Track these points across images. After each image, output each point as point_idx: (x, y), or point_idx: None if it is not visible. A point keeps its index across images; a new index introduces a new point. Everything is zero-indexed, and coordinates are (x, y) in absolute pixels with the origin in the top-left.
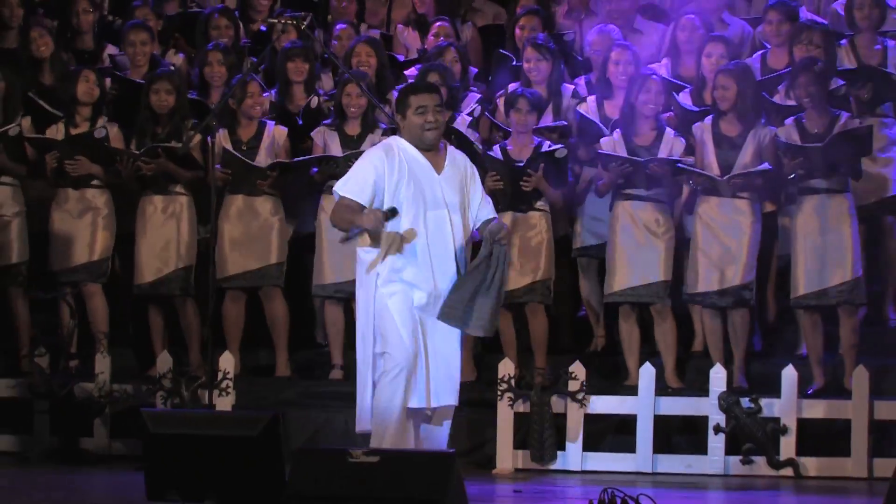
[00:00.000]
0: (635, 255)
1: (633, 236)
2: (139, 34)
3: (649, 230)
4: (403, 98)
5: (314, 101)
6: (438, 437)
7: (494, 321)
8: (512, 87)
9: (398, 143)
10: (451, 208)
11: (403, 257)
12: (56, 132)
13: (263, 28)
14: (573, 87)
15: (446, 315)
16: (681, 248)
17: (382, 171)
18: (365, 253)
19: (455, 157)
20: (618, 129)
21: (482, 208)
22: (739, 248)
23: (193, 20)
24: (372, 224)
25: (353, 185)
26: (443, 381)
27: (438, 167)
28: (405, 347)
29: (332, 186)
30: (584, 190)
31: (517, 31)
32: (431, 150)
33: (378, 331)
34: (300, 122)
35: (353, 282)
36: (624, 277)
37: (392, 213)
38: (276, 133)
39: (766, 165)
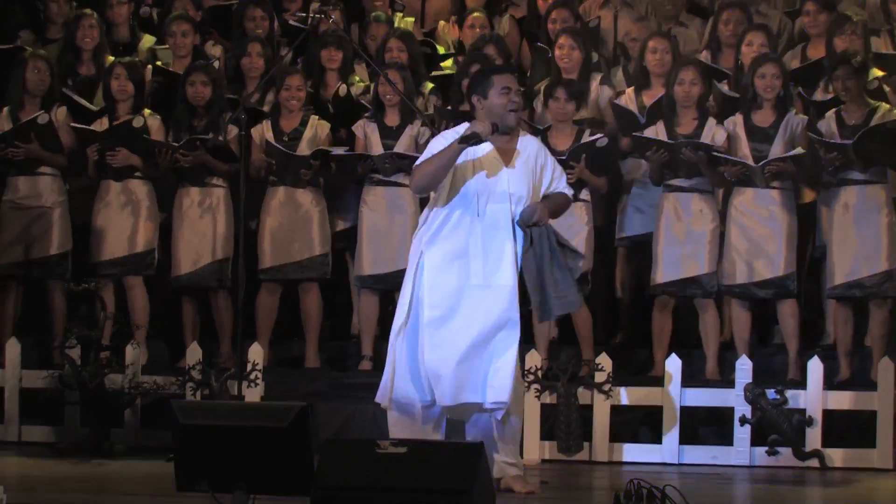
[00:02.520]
0: (680, 248)
1: (677, 228)
2: (181, 25)
3: (694, 221)
4: (484, 78)
5: (342, 88)
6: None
7: (577, 294)
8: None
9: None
10: (515, 201)
11: (456, 247)
12: (100, 125)
13: (293, 22)
14: (600, 75)
15: (540, 312)
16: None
17: None
18: (430, 243)
19: (527, 145)
20: (662, 120)
21: (555, 187)
22: (779, 239)
23: (228, 12)
24: (481, 129)
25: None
26: (497, 375)
27: (508, 158)
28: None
29: (373, 178)
30: (630, 180)
31: (549, 24)
32: (506, 136)
33: (410, 291)
34: (331, 110)
35: (392, 274)
36: (669, 269)
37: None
38: (318, 127)
39: (799, 150)
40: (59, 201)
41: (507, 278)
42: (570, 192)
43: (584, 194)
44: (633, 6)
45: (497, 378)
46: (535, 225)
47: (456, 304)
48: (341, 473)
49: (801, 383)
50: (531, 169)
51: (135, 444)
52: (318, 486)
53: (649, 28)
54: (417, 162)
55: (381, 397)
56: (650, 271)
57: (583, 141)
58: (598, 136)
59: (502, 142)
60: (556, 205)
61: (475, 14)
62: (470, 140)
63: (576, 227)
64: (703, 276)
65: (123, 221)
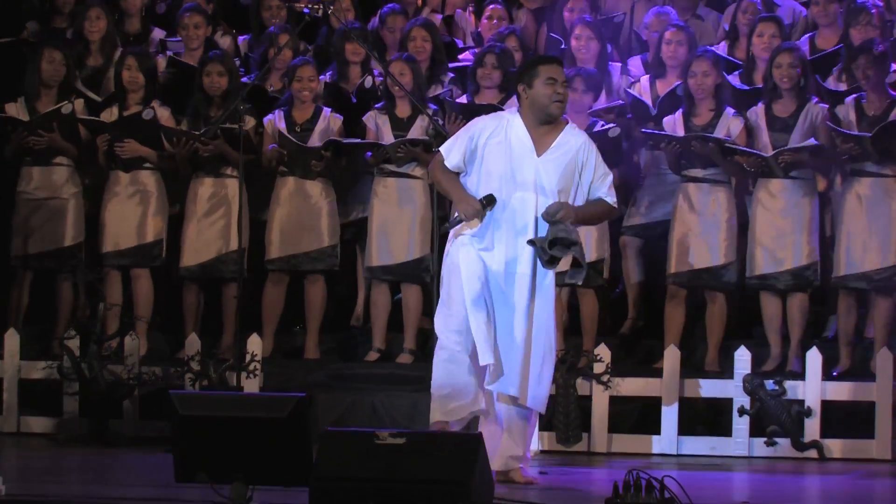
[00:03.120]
0: (695, 238)
1: (693, 219)
2: (193, 17)
3: (710, 212)
4: (531, 68)
5: (368, 80)
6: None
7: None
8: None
9: (511, 116)
10: (543, 192)
11: (480, 235)
12: (110, 115)
13: (307, 10)
14: (620, 64)
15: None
16: (742, 231)
17: (478, 139)
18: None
19: (569, 139)
20: (680, 109)
21: (594, 190)
22: (801, 229)
23: (237, 3)
24: (468, 215)
25: (449, 144)
26: (506, 368)
27: (542, 148)
28: (464, 310)
29: (384, 170)
30: (642, 172)
31: (566, 13)
32: (547, 127)
33: (443, 288)
34: (354, 101)
35: (401, 265)
36: (683, 260)
37: (489, 200)
38: (331, 119)
39: (812, 141)
40: (73, 192)
41: (525, 266)
42: (611, 199)
43: None
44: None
45: (540, 387)
46: (557, 222)
47: (484, 290)
48: (340, 464)
49: (800, 375)
50: (567, 163)
51: (134, 435)
52: (317, 477)
53: (668, 20)
54: (446, 150)
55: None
56: (659, 261)
57: (595, 130)
58: (611, 125)
59: (541, 132)
60: (589, 212)
61: (494, 6)
62: (457, 223)
63: None
64: (717, 267)
65: (132, 212)
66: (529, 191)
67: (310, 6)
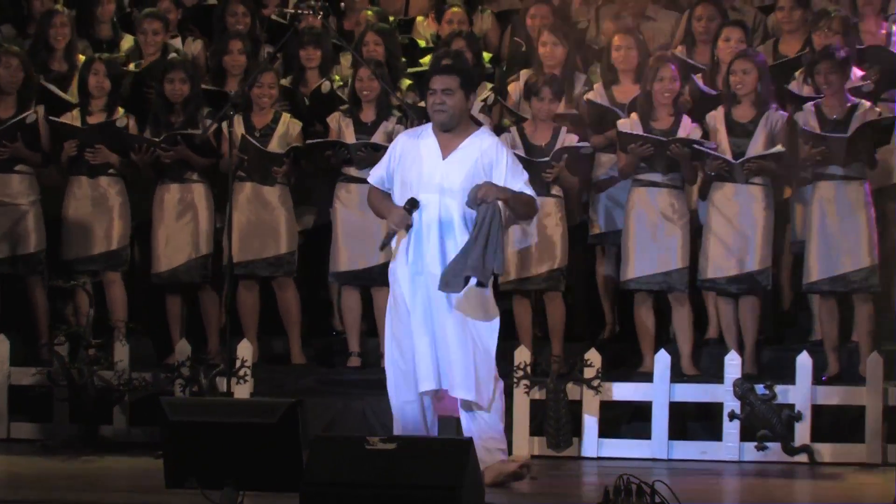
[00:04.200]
0: (652, 243)
1: (649, 223)
2: (152, 23)
3: (665, 216)
4: (425, 82)
5: (325, 84)
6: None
7: (489, 264)
8: (523, 73)
9: (425, 128)
10: (447, 192)
11: (403, 236)
12: (72, 119)
13: (276, 17)
14: (585, 76)
15: (444, 284)
16: (694, 235)
17: (396, 154)
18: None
19: (476, 142)
20: (635, 112)
21: (509, 186)
22: (754, 235)
23: (210, 9)
24: (396, 222)
25: (374, 170)
26: (452, 369)
27: (448, 151)
28: (390, 351)
29: (346, 175)
30: (604, 176)
31: (528, 20)
32: (451, 133)
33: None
34: (308, 104)
35: (369, 269)
36: (640, 264)
37: (412, 204)
38: (290, 125)
39: (778, 147)
40: (33, 200)
41: (434, 266)
42: (530, 192)
43: (557, 190)
44: (613, 1)
45: (470, 378)
46: (482, 203)
47: (404, 291)
48: (331, 469)
49: (756, 378)
50: (472, 164)
51: (124, 441)
52: (308, 483)
53: (617, 25)
54: (373, 173)
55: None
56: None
57: (565, 143)
58: (584, 144)
59: (448, 137)
60: (514, 195)
61: (454, 9)
62: (389, 240)
63: (550, 225)
64: (675, 271)
65: (97, 218)
66: (434, 192)
67: (292, 13)
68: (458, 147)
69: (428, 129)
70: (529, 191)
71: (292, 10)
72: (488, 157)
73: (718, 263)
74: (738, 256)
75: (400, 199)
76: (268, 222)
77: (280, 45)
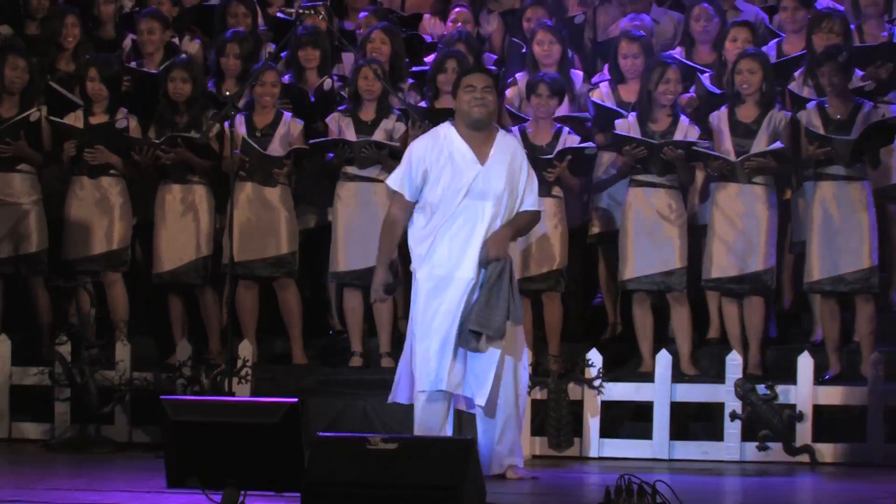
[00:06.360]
0: (649, 242)
1: (646, 223)
2: (149, 23)
3: (662, 216)
4: (457, 80)
5: (327, 83)
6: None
7: (496, 320)
8: (520, 75)
9: (446, 130)
10: (489, 198)
11: (434, 246)
12: (75, 120)
13: (280, 15)
14: (582, 73)
15: (463, 341)
16: (697, 236)
17: (423, 160)
18: (414, 242)
19: (505, 144)
20: (633, 113)
21: (526, 197)
22: (758, 235)
23: (211, 9)
24: (376, 289)
25: (396, 176)
26: (470, 376)
27: (483, 156)
28: (428, 332)
29: (346, 174)
30: (605, 176)
31: (524, 22)
32: (480, 134)
33: (412, 312)
34: (312, 101)
35: (369, 269)
36: (638, 264)
37: (392, 288)
38: (291, 124)
39: (778, 144)
40: (34, 199)
41: (468, 271)
42: (538, 206)
43: (557, 191)
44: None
45: (477, 382)
46: (495, 261)
47: (432, 296)
48: (332, 469)
49: (760, 378)
50: (507, 166)
51: (125, 441)
52: (309, 483)
53: (623, 29)
54: (392, 178)
55: (391, 398)
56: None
57: (568, 144)
58: (588, 144)
59: (477, 140)
60: (517, 228)
61: (459, 10)
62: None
63: (549, 225)
64: (673, 270)
65: (98, 218)
66: (476, 198)
67: (285, 12)
68: (491, 151)
69: (448, 131)
70: (537, 205)
71: (293, 10)
72: (518, 160)
73: (722, 263)
74: (742, 256)
75: (433, 208)
76: (268, 222)
77: (282, 45)
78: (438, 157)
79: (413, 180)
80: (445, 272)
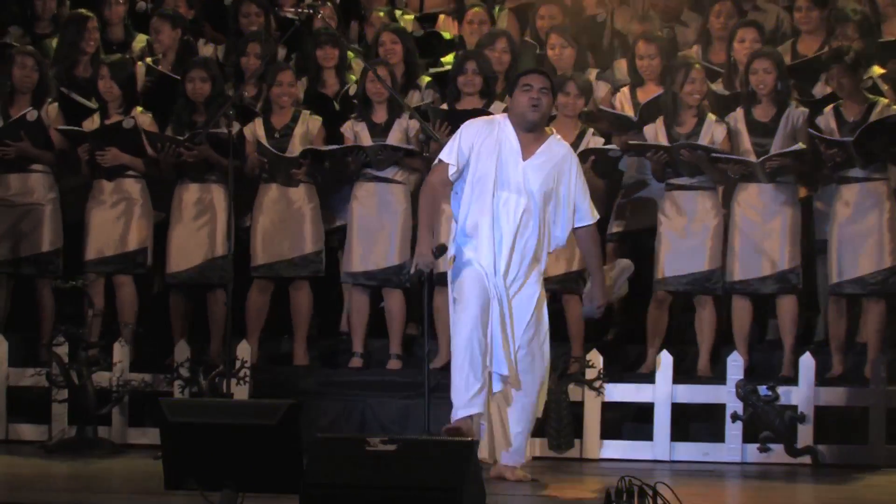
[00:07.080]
0: (682, 244)
1: (678, 225)
2: (157, 23)
3: (695, 218)
4: (515, 79)
5: (352, 88)
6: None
7: None
8: None
9: (502, 120)
10: (527, 195)
11: (470, 236)
12: (91, 124)
13: (288, 15)
14: (596, 70)
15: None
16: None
17: (473, 141)
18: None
19: (554, 147)
20: (660, 117)
21: (579, 208)
22: (783, 233)
23: (222, 8)
24: (420, 262)
25: (447, 150)
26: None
27: (528, 153)
28: (475, 297)
29: (365, 174)
30: (629, 180)
31: (538, 21)
32: (532, 134)
33: (454, 292)
34: (336, 108)
35: (382, 270)
36: (671, 265)
37: (440, 250)
38: (310, 122)
39: (798, 145)
40: (50, 198)
41: (501, 263)
42: (592, 217)
43: None
44: (630, 4)
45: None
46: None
47: (472, 285)
48: (330, 471)
49: (794, 380)
50: (550, 169)
51: (123, 443)
52: (307, 484)
53: (644, 28)
54: (444, 152)
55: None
56: (644, 268)
57: (590, 145)
58: (612, 147)
59: (528, 138)
60: (598, 265)
61: (475, 9)
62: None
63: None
64: (706, 272)
65: (115, 220)
66: (515, 192)
67: (294, 12)
68: (537, 150)
69: (504, 123)
70: (594, 217)
71: (302, 10)
72: (562, 166)
73: (748, 264)
74: (768, 256)
75: (470, 191)
76: (292, 222)
77: (285, 37)
78: (487, 140)
79: (462, 153)
80: (485, 264)
